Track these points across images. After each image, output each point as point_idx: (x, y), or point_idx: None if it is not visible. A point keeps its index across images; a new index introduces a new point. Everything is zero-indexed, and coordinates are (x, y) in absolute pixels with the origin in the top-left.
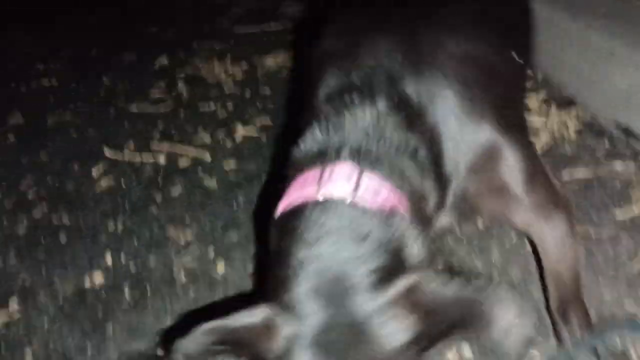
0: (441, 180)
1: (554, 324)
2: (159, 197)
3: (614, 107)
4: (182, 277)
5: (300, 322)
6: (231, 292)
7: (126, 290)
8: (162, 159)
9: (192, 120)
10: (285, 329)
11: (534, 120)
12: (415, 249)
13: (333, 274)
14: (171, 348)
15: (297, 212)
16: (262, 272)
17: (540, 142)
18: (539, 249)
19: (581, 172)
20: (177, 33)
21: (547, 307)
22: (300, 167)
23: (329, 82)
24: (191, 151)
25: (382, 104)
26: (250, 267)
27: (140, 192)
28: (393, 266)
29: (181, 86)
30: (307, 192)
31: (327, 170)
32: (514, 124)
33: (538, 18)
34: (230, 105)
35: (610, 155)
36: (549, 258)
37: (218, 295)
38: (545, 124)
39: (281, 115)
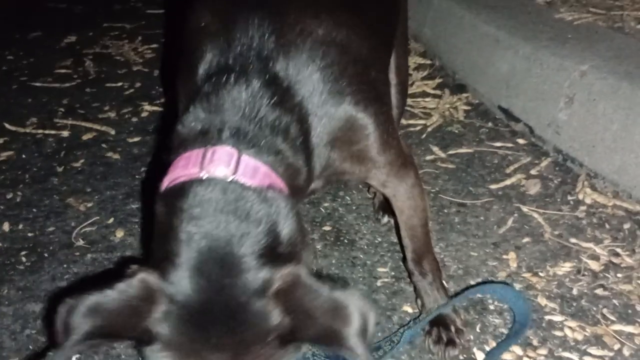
0: (310, 153)
1: (410, 274)
2: (60, 169)
3: (497, 91)
4: (80, 242)
5: (177, 297)
6: (128, 254)
7: (22, 254)
8: (65, 133)
9: (98, 96)
10: (162, 302)
11: (428, 102)
12: (291, 223)
13: (217, 251)
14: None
15: (182, 189)
16: (148, 242)
17: (432, 121)
18: (394, 207)
19: (464, 149)
20: (88, 11)
21: (404, 260)
22: (184, 145)
23: (207, 60)
24: (95, 126)
25: (256, 84)
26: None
27: (41, 164)
28: (272, 244)
29: (88, 63)
30: (191, 171)
31: (209, 151)
32: (371, 99)
33: (438, 10)
34: (137, 83)
35: (491, 135)
36: (403, 213)
37: (115, 258)
38: (437, 105)
39: None
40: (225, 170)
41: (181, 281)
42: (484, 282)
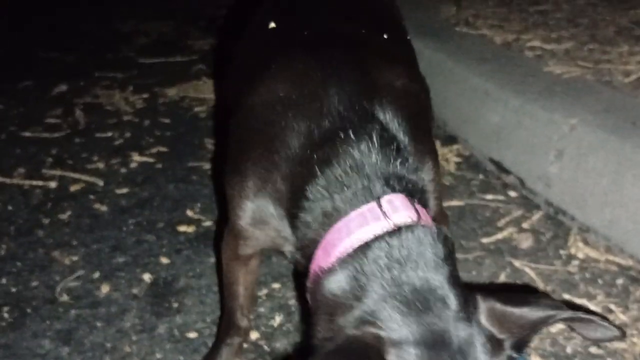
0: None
1: None
2: (46, 221)
3: (488, 143)
4: (64, 297)
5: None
6: (114, 311)
7: (5, 309)
8: (53, 184)
9: (87, 146)
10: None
11: None
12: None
13: (426, 297)
14: None
15: (375, 250)
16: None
17: None
18: None
19: (455, 202)
20: (79, 60)
21: None
22: (336, 211)
23: (305, 127)
24: (84, 177)
25: (372, 134)
26: (135, 290)
27: (27, 216)
28: (458, 280)
29: (78, 113)
30: (373, 227)
31: (384, 201)
32: (432, 141)
33: (429, 63)
34: (127, 133)
35: (483, 187)
36: None
37: (100, 314)
38: None
39: (178, 143)
40: (410, 215)
41: (404, 331)
42: None
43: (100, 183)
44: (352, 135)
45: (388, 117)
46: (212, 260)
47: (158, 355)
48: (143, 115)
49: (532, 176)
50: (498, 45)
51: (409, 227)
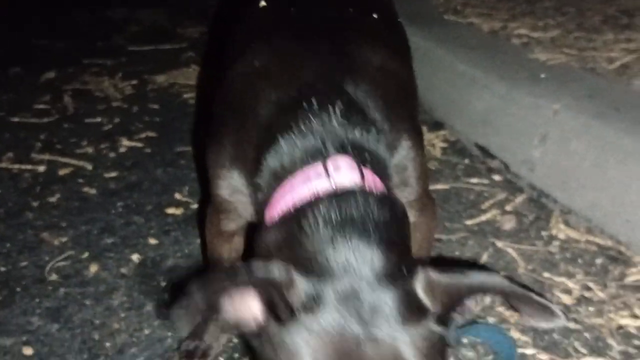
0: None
1: None
2: (35, 204)
3: (474, 129)
4: (53, 277)
5: (323, 284)
6: (102, 289)
7: None
8: (41, 168)
9: (76, 132)
10: (306, 286)
11: None
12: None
13: (349, 258)
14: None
15: (309, 207)
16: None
17: None
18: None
19: (441, 186)
20: (69, 48)
21: None
22: (284, 171)
23: (275, 97)
24: (72, 161)
25: (339, 104)
26: (124, 269)
27: (16, 199)
28: (405, 249)
29: (67, 99)
30: (314, 187)
31: (329, 163)
32: (417, 127)
33: (417, 50)
34: (116, 118)
35: (468, 171)
36: (416, 236)
37: (89, 293)
38: None
39: (167, 129)
40: (353, 178)
41: (328, 277)
42: (469, 323)
43: (89, 167)
44: (315, 104)
45: (359, 93)
46: (200, 241)
47: (146, 331)
48: (132, 102)
49: (517, 160)
50: (485, 33)
51: (349, 189)
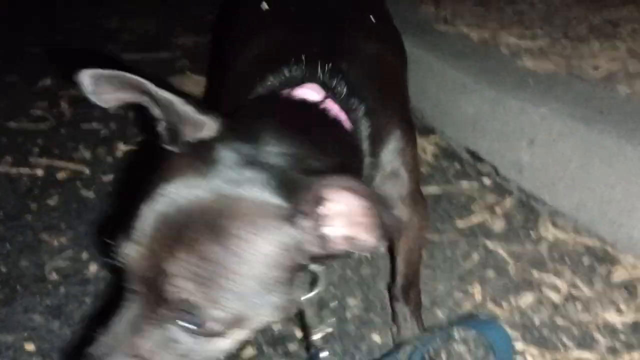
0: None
1: (394, 300)
2: (34, 206)
3: (464, 133)
4: (53, 276)
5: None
6: (103, 288)
7: None
8: (39, 172)
9: (73, 137)
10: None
11: None
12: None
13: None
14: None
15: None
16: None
17: None
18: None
19: (432, 189)
20: (64, 56)
21: (390, 286)
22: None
23: (265, 76)
24: (70, 165)
25: (332, 72)
26: None
27: (16, 202)
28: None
29: (64, 105)
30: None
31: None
32: (409, 116)
33: (409, 57)
34: (113, 124)
35: (458, 175)
36: (409, 233)
37: (89, 291)
38: None
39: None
40: (314, 96)
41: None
42: (466, 318)
43: (87, 171)
44: (307, 65)
45: (352, 74)
46: None
47: None
48: (128, 107)
49: (506, 164)
50: (475, 42)
51: (304, 100)
